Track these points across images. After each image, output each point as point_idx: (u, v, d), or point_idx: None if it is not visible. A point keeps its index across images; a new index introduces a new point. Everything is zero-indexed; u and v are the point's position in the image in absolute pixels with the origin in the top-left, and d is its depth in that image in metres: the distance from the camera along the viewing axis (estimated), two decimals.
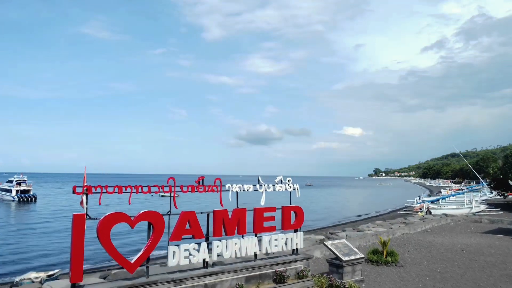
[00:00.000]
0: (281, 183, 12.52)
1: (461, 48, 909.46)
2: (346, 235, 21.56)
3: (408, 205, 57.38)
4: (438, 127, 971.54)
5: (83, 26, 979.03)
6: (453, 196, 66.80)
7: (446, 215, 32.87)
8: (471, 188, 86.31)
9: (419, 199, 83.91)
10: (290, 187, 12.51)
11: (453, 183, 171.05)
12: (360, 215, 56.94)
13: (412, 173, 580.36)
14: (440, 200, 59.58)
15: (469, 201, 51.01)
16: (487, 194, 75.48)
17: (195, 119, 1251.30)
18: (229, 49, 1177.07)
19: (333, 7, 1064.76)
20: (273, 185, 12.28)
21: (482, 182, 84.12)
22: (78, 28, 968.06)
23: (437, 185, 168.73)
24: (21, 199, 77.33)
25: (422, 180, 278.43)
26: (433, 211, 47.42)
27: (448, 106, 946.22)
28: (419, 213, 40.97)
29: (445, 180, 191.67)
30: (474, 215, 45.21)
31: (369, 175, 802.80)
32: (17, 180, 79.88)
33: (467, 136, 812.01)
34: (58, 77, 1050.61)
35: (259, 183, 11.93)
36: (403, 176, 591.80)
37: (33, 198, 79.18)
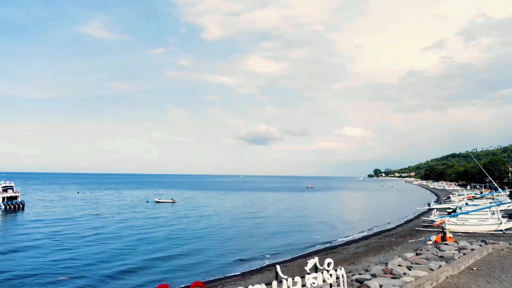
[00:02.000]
0: (316, 271, 6.76)
1: (461, 48, 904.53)
2: (381, 287, 16.23)
3: (425, 218, 51.58)
4: (438, 128, 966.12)
5: (82, 25, 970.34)
6: (469, 205, 61.20)
7: (485, 242, 27.49)
8: (492, 194, 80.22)
9: (430, 207, 78.67)
10: (329, 277, 6.85)
11: (458, 186, 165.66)
12: (371, 228, 51.55)
13: (413, 174, 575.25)
14: (458, 210, 54.04)
15: (494, 214, 45.46)
16: (503, 203, 70.26)
17: (195, 118, 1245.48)
18: (229, 49, 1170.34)
19: (333, 7, 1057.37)
20: (302, 278, 6.51)
21: (498, 189, 78.51)
22: (77, 27, 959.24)
23: (441, 188, 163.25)
24: (7, 207, 72.08)
25: (424, 182, 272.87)
26: (452, 227, 41.88)
27: (447, 107, 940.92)
28: (447, 233, 35.05)
29: (450, 183, 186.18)
30: (504, 233, 39.84)
31: (369, 176, 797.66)
32: (3, 186, 74.50)
33: (467, 137, 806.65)
34: (57, 77, 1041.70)
35: (277, 278, 6.26)
36: (403, 177, 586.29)
37: (21, 206, 73.95)
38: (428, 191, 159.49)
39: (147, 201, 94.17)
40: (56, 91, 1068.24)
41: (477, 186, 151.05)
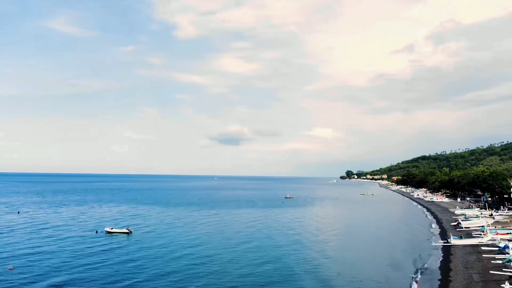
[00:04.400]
0: None
1: (430, 52, 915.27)
2: None
3: None
4: (407, 129, 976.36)
5: (48, 21, 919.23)
6: None
7: None
8: None
9: (449, 243, 61.67)
10: None
11: (446, 197, 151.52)
12: None
13: (385, 176, 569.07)
14: None
15: None
16: None
17: (167, 118, 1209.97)
18: (202, 48, 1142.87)
19: (307, 9, 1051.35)
20: None
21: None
22: (43, 22, 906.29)
23: (428, 199, 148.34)
24: None
25: (403, 188, 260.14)
26: None
27: (415, 109, 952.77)
28: None
29: (436, 193, 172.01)
30: None
31: (341, 177, 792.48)
32: None
33: (435, 139, 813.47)
34: (23, 73, 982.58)
35: None
36: (375, 179, 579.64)
37: None
38: (415, 203, 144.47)
39: (96, 231, 73.58)
40: (21, 88, 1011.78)
41: (468, 199, 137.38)
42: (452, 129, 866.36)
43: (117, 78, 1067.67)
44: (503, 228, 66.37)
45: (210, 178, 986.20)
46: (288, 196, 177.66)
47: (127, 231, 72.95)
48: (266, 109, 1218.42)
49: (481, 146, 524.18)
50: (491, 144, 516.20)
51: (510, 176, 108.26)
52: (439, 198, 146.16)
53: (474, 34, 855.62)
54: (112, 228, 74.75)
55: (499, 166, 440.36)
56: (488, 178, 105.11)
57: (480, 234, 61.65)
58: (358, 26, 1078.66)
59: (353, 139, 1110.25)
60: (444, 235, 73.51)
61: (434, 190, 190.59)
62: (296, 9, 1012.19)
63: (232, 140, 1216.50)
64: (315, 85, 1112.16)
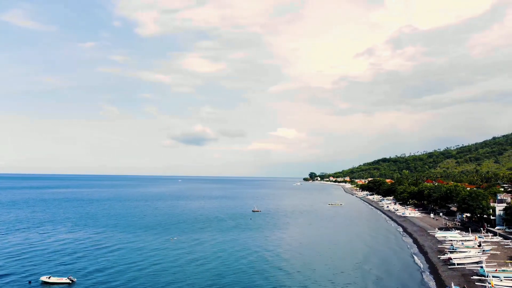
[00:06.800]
0: None
1: (389, 56, 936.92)
2: None
3: None
4: (369, 131, 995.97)
5: (2, 14, 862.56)
6: None
7: None
8: None
9: None
10: None
11: (419, 212, 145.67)
12: None
13: (347, 178, 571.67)
14: None
15: None
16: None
17: (128, 117, 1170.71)
18: (165, 47, 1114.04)
19: (272, 10, 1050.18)
20: None
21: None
22: None
23: (401, 214, 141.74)
24: None
25: (369, 196, 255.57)
26: None
27: (376, 111, 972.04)
28: None
29: (407, 206, 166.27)
30: None
31: (305, 179, 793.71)
32: None
33: (395, 141, 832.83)
34: None
35: None
36: (338, 182, 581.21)
37: None
38: (387, 218, 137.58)
39: (30, 282, 59.24)
40: None
41: (441, 215, 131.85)
42: (411, 132, 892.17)
43: (78, 75, 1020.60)
44: (504, 271, 58.28)
45: (174, 179, 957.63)
46: (255, 209, 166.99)
47: (68, 281, 58.85)
48: (231, 109, 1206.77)
49: (438, 149, 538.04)
50: (447, 147, 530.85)
51: (490, 196, 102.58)
52: (412, 213, 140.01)
53: (430, 40, 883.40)
54: (49, 277, 60.22)
55: (455, 168, 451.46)
56: (467, 198, 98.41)
57: (484, 283, 52.82)
58: (322, 29, 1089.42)
59: (316, 139, 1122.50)
60: (435, 274, 64.42)
61: (402, 200, 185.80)
62: (260, 10, 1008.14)
63: (196, 140, 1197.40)
64: (280, 86, 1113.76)
